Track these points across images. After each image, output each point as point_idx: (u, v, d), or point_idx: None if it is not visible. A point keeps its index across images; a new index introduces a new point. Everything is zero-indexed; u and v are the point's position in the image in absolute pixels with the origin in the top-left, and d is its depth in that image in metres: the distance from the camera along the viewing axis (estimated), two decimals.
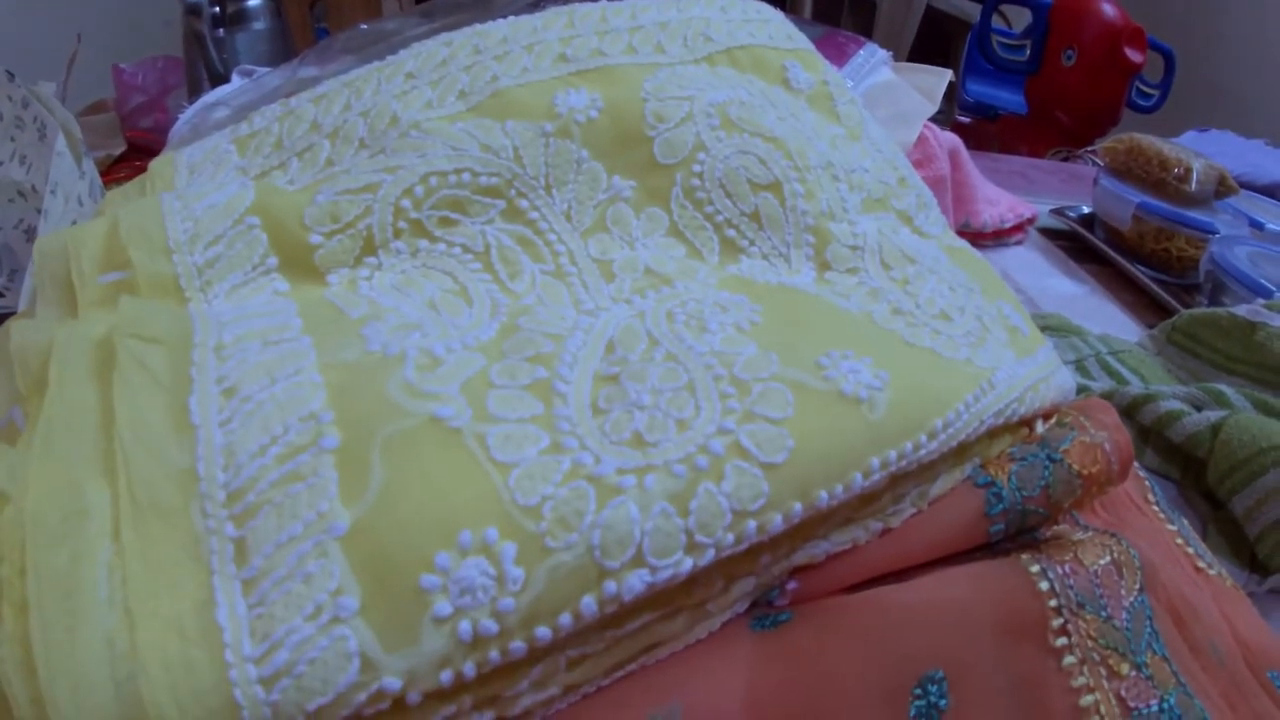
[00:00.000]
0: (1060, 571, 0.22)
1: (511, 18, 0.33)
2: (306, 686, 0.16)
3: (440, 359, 0.21)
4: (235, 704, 0.16)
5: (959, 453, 0.24)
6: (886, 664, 0.20)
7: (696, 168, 0.28)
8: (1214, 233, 0.63)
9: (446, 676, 0.17)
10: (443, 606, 0.17)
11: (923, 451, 0.22)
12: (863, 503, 0.23)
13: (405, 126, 0.28)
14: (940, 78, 0.63)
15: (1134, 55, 1.16)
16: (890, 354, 0.24)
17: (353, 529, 0.18)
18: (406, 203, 0.25)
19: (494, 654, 0.18)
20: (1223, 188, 0.69)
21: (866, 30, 1.63)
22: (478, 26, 0.33)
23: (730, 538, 0.20)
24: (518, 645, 0.18)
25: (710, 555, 0.19)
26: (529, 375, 0.21)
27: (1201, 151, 0.93)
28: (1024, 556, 0.22)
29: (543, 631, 0.18)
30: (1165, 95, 1.28)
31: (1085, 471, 0.24)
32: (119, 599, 0.17)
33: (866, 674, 0.20)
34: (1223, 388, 0.41)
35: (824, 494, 0.21)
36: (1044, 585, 0.21)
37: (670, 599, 0.20)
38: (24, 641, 0.16)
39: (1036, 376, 0.27)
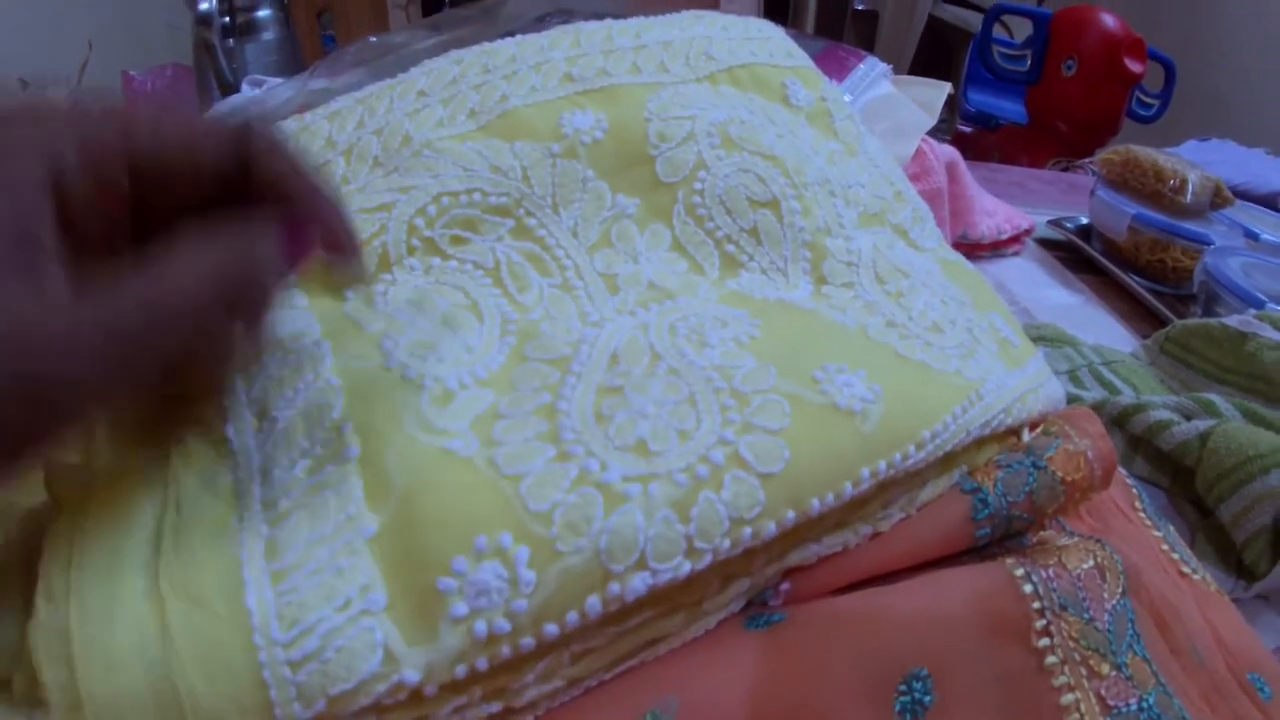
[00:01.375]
0: (1044, 575, 0.23)
1: (520, 36, 0.34)
2: (331, 672, 0.17)
3: (453, 393, 0.22)
4: (263, 682, 0.17)
5: (946, 460, 0.25)
6: (873, 661, 0.21)
7: (697, 185, 0.29)
8: (1209, 244, 0.63)
9: (461, 670, 0.18)
10: (459, 607, 0.18)
11: (910, 461, 0.23)
12: (853, 508, 0.24)
13: (418, 146, 0.29)
14: (939, 90, 0.64)
15: (1134, 65, 1.17)
16: (883, 367, 0.25)
17: (380, 531, 0.19)
18: (419, 221, 0.26)
19: (505, 649, 0.19)
20: (1218, 199, 0.70)
21: (869, 40, 1.64)
22: (486, 45, 0.34)
23: (727, 543, 0.21)
24: (527, 641, 0.19)
25: (708, 559, 0.21)
26: (534, 402, 0.23)
27: (1202, 160, 0.94)
28: (1009, 560, 0.23)
29: (550, 629, 0.19)
30: (1165, 105, 1.29)
31: (1068, 478, 0.25)
32: (153, 591, 0.18)
33: (853, 671, 0.20)
34: (1213, 397, 0.42)
35: (816, 502, 0.22)
36: (1028, 588, 0.22)
37: (669, 597, 0.21)
38: (59, 631, 0.17)
39: (1025, 388, 0.28)
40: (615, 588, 0.20)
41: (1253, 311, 0.51)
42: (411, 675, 0.18)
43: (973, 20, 1.52)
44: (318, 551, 0.19)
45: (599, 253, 0.28)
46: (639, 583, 0.20)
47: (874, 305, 0.28)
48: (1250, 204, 0.79)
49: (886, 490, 0.24)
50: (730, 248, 0.29)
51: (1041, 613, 0.22)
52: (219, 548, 0.19)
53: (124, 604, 0.17)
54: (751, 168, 0.30)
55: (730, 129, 0.31)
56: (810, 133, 0.35)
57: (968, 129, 1.36)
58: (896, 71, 0.63)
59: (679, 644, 0.22)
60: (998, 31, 1.33)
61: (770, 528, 0.21)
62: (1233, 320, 0.48)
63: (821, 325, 0.26)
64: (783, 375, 0.23)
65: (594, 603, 0.19)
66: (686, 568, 0.20)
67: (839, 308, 0.28)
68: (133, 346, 0.15)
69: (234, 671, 0.17)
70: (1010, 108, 1.32)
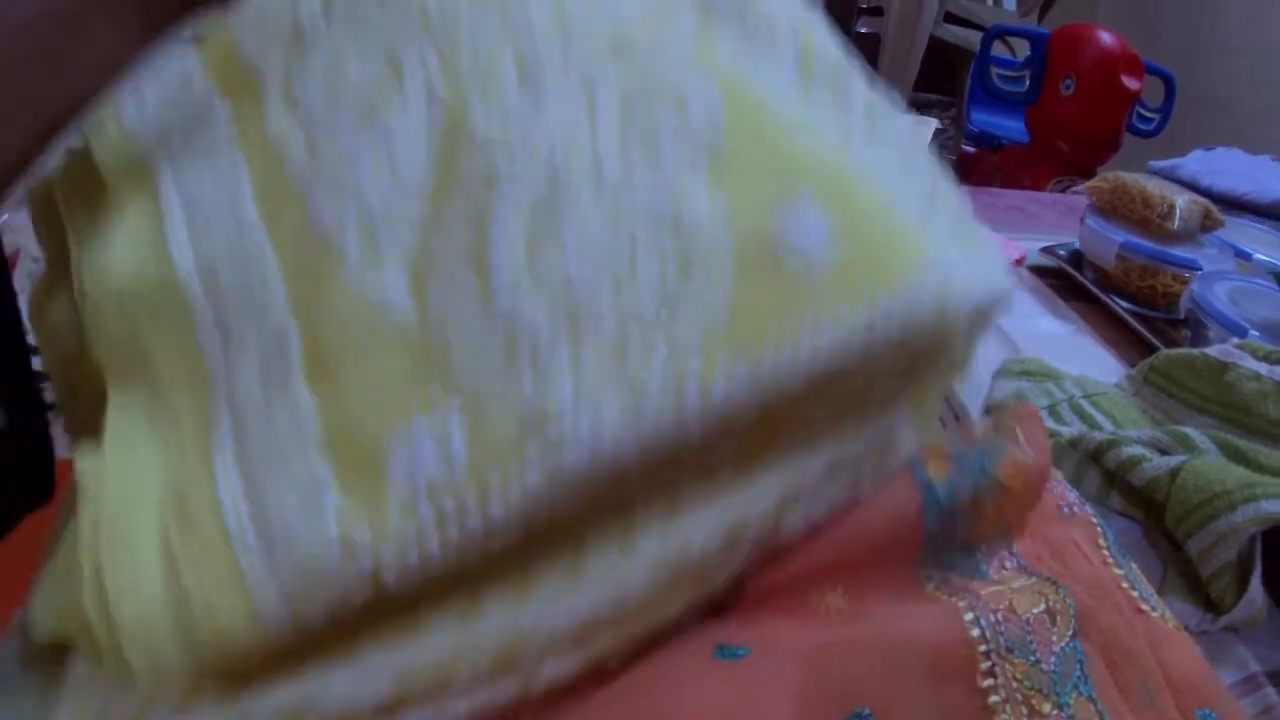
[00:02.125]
0: (992, 619, 0.25)
1: None
2: (298, 561, 0.20)
3: (380, 249, 0.22)
4: (241, 570, 0.20)
5: (906, 373, 0.25)
6: (820, 697, 0.22)
7: None
8: (1197, 269, 0.65)
9: (413, 557, 0.20)
10: (404, 488, 0.20)
11: (860, 316, 0.22)
12: (805, 420, 0.24)
13: None
14: (926, 126, 0.67)
15: (1130, 82, 1.18)
16: (849, 206, 0.24)
17: (327, 430, 0.21)
18: None
19: (453, 530, 0.20)
20: (1208, 221, 0.71)
21: (872, 61, 1.67)
22: None
23: (670, 405, 0.21)
24: (474, 523, 0.20)
25: (651, 424, 0.20)
26: (465, 239, 0.22)
27: (1208, 170, 0.95)
28: (960, 604, 0.25)
29: (496, 511, 0.20)
30: (1166, 119, 1.30)
31: (1010, 484, 0.27)
32: (164, 536, 0.22)
33: (803, 705, 0.22)
34: (1188, 431, 0.43)
35: (770, 349, 0.21)
36: (975, 631, 0.24)
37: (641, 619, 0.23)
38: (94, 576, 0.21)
39: (974, 273, 0.26)
40: (553, 456, 0.20)
41: (1235, 340, 0.52)
42: (366, 562, 0.20)
43: (976, 40, 1.54)
44: (275, 463, 0.21)
45: None
46: (577, 449, 0.20)
47: (850, 128, 0.27)
48: (1245, 221, 0.80)
49: (841, 407, 0.24)
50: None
51: (987, 655, 0.24)
52: (201, 479, 0.22)
53: (142, 543, 0.22)
54: None
55: None
56: None
57: (971, 149, 1.38)
58: (899, 93, 0.65)
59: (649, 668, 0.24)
60: (1001, 51, 1.35)
61: (718, 387, 0.21)
62: (1214, 350, 0.49)
63: (792, 132, 0.25)
64: (736, 215, 0.22)
65: (535, 477, 0.20)
66: (630, 429, 0.20)
67: (821, 105, 0.27)
68: None
69: (219, 566, 0.21)
70: (1012, 126, 1.34)
